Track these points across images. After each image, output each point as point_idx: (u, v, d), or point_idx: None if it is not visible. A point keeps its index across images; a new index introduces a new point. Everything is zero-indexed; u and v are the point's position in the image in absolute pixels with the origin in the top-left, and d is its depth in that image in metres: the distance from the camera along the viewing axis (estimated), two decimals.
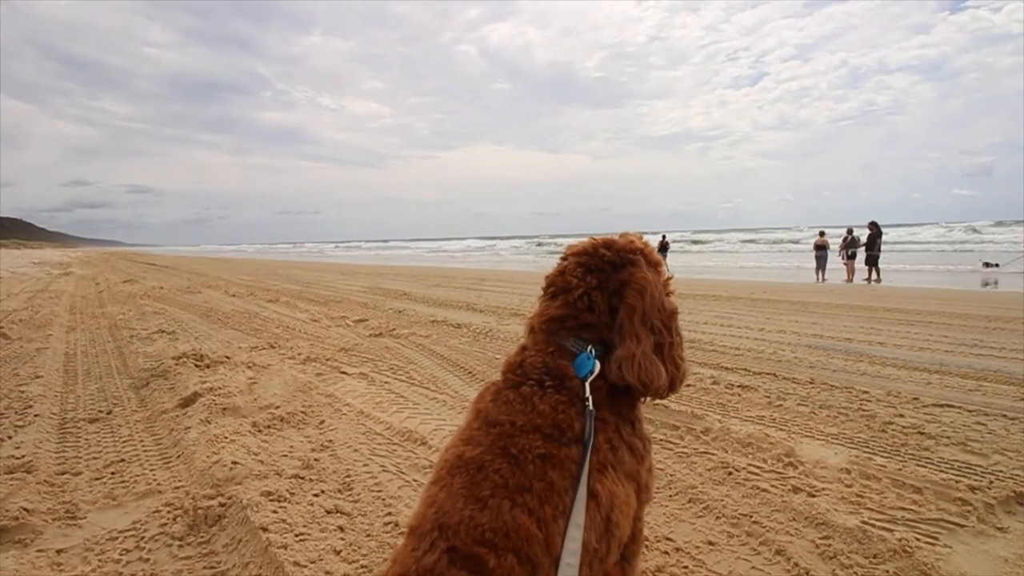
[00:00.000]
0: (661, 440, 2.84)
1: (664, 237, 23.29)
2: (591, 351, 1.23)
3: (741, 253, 38.33)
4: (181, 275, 17.31)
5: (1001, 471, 2.44)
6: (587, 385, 1.18)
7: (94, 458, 2.78)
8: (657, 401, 1.40)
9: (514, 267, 24.72)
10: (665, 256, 21.46)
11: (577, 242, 1.39)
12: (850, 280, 15.32)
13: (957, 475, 2.40)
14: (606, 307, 1.27)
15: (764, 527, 2.02)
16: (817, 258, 16.51)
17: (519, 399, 1.18)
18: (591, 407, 1.16)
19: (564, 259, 1.37)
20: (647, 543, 1.92)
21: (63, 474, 2.59)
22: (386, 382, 4.06)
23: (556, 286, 1.33)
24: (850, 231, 16.37)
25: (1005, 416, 3.11)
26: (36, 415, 3.34)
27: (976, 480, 2.33)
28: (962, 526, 2.02)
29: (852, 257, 15.80)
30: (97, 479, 2.54)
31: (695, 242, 53.51)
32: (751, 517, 2.09)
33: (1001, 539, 1.95)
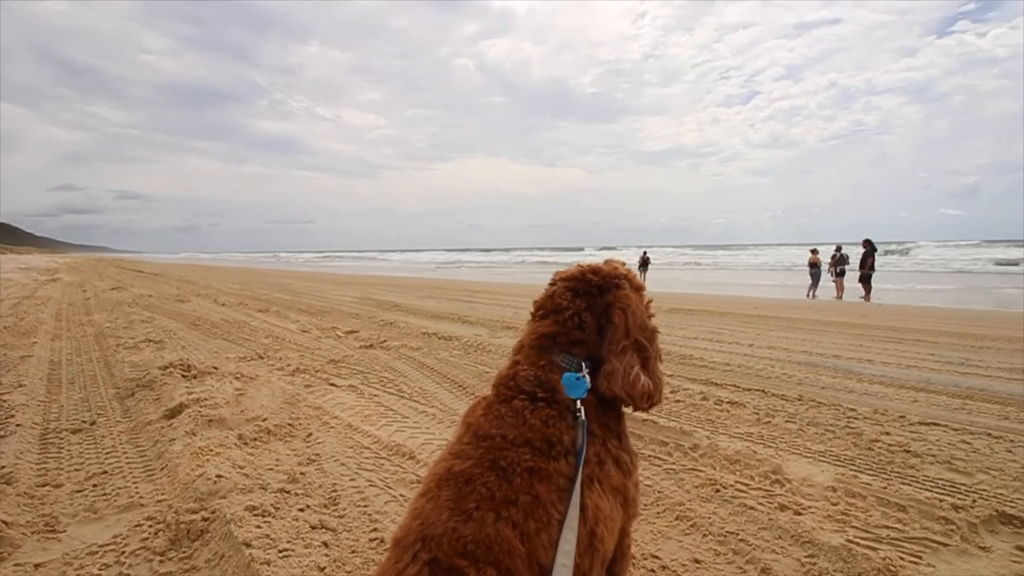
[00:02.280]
0: (649, 456, 2.85)
1: (645, 253, 23.59)
2: (584, 368, 1.25)
3: (732, 269, 38.63)
4: (170, 283, 17.15)
5: (985, 490, 2.47)
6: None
7: (76, 470, 2.73)
8: (643, 415, 1.42)
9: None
10: (646, 271, 21.69)
11: (564, 268, 1.44)
12: (840, 297, 15.47)
13: (942, 494, 2.42)
14: (595, 326, 1.31)
15: (750, 545, 2.02)
16: (811, 275, 16.69)
17: (511, 413, 1.19)
18: (583, 417, 1.18)
19: (553, 284, 1.41)
20: (633, 560, 1.91)
21: (44, 486, 2.54)
22: (375, 395, 4.03)
23: (546, 308, 1.37)
24: (839, 248, 16.56)
25: (990, 435, 3.15)
26: (18, 425, 3.28)
27: (960, 499, 2.35)
28: (945, 545, 2.03)
29: (841, 274, 15.97)
30: (78, 491, 2.49)
31: (687, 257, 53.96)
32: (738, 535, 2.09)
33: (984, 558, 1.96)
